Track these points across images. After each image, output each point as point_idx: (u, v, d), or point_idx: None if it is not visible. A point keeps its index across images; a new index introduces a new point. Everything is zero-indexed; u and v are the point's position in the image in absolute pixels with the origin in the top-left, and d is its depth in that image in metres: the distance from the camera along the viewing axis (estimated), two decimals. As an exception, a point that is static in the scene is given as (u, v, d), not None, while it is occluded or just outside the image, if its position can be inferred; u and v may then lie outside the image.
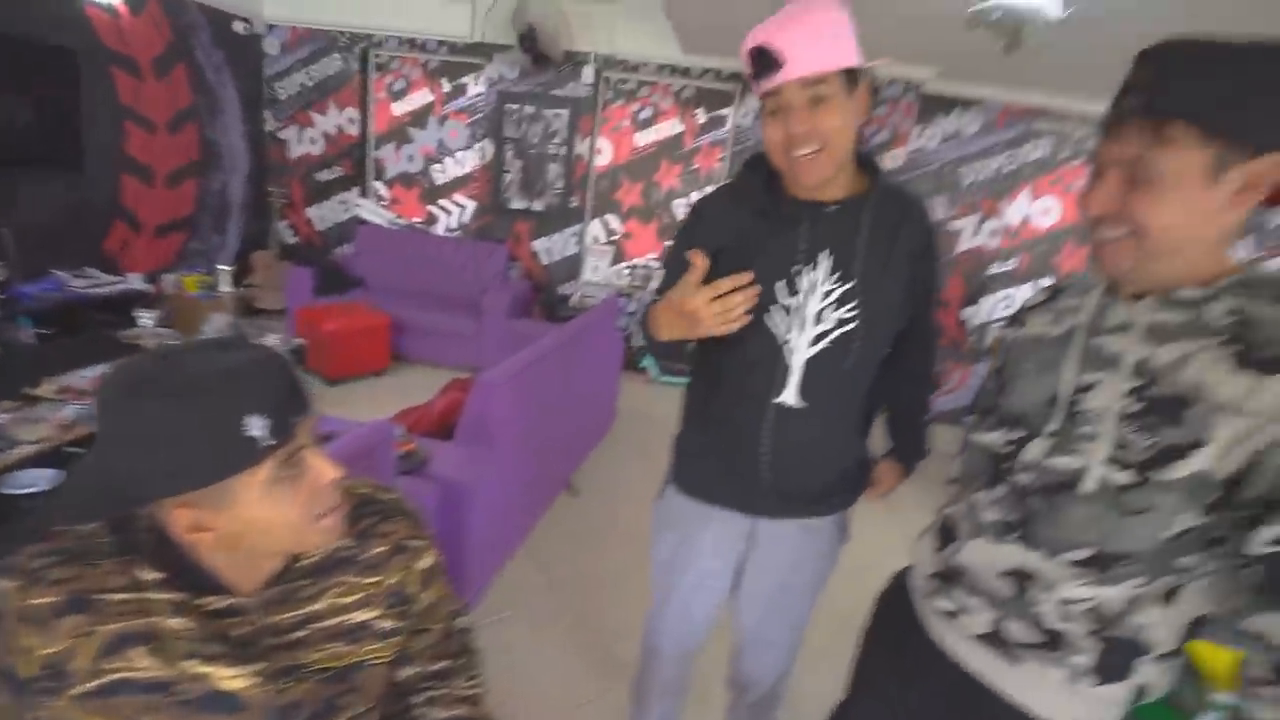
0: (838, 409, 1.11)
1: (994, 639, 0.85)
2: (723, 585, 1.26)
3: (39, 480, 1.82)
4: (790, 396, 1.07)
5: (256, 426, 0.62)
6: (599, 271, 4.84)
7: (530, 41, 4.12)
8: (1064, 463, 0.78)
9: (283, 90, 4.83)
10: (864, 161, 1.07)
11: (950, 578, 0.91)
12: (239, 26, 4.47)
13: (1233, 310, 0.70)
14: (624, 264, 4.87)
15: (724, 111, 4.45)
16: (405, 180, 4.97)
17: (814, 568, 1.23)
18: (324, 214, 5.06)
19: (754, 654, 1.33)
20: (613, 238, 4.85)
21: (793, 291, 1.04)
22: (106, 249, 3.88)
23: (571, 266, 4.85)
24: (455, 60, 4.64)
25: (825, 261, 1.03)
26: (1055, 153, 4.21)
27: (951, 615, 0.89)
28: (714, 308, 0.92)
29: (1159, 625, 0.76)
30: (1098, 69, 3.22)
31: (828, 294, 1.03)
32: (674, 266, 1.14)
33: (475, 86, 4.68)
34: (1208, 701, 0.88)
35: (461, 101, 4.74)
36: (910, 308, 1.09)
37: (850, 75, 0.94)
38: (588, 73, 4.32)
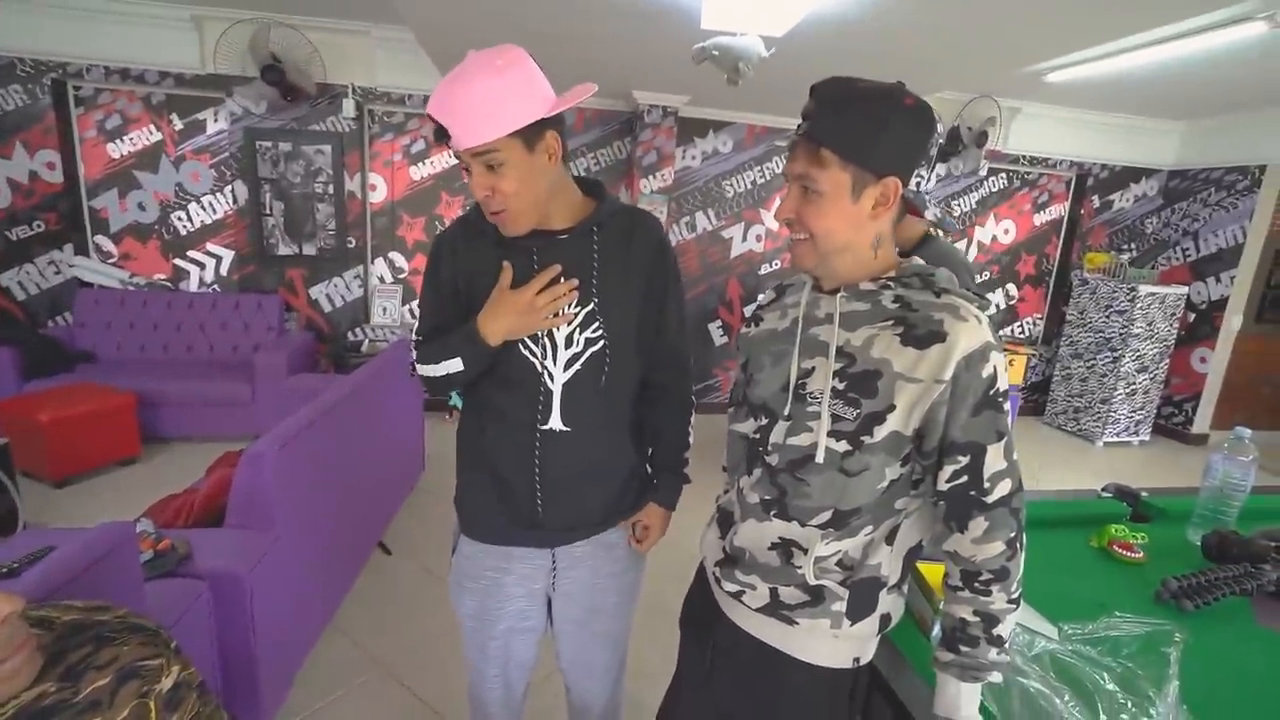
0: (600, 429, 1.14)
1: (773, 608, 0.94)
2: (538, 622, 1.25)
3: None
4: (555, 422, 1.09)
5: None
6: (389, 313, 4.56)
7: (275, 73, 3.78)
8: (799, 440, 0.90)
9: (-63, 131, 3.87)
10: (589, 186, 1.13)
11: (732, 561, 1.00)
12: None
13: (897, 298, 0.86)
14: (414, 302, 4.65)
15: (501, 141, 4.46)
16: (138, 232, 4.25)
17: (617, 585, 1.26)
18: (25, 279, 4.13)
19: (579, 680, 1.34)
20: (400, 276, 4.60)
21: None
22: None
23: (357, 310, 4.50)
24: (185, 94, 4.09)
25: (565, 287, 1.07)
26: (796, 166, 4.86)
27: (737, 595, 0.98)
28: (544, 298, 1.03)
29: (887, 561, 0.91)
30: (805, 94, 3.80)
31: (572, 318, 1.08)
32: (430, 308, 1.13)
33: (216, 123, 4.17)
34: (937, 610, 1.07)
35: (200, 140, 4.18)
36: (653, 319, 1.15)
37: (530, 130, 0.95)
38: (348, 106, 4.07)
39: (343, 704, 1.93)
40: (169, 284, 4.32)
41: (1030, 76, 3.73)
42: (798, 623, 0.93)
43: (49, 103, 3.93)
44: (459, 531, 1.23)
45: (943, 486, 0.85)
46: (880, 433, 0.84)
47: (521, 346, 1.07)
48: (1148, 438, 5.07)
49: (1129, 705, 0.93)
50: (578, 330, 1.08)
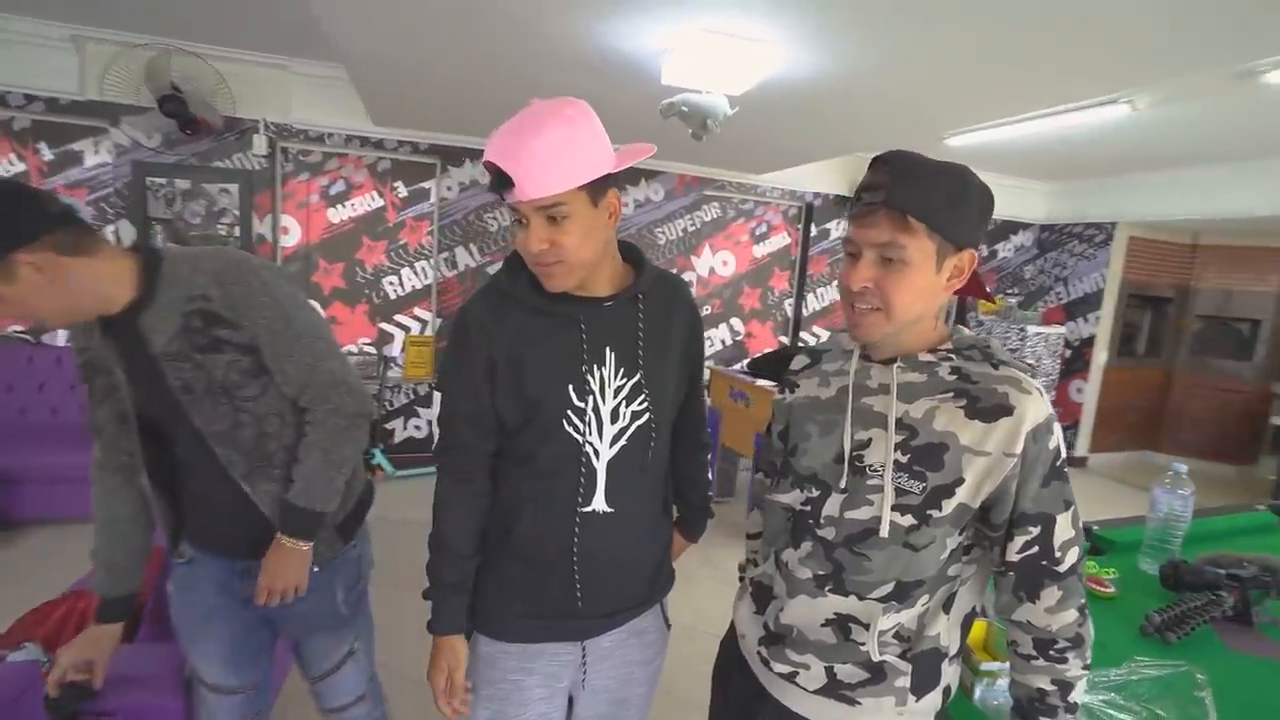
0: (643, 505, 1.08)
1: (831, 688, 0.90)
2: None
3: None
4: (598, 503, 1.01)
5: None
6: (305, 364, 4.19)
7: (175, 104, 3.46)
8: (858, 514, 0.87)
9: None
10: (628, 251, 1.09)
11: (778, 639, 0.95)
12: None
13: (955, 369, 0.87)
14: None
15: (426, 184, 4.31)
16: (-10, 276, 3.68)
17: (645, 675, 1.17)
18: None
19: None
20: (316, 324, 4.27)
21: (585, 393, 0.99)
22: None
23: (266, 361, 4.11)
24: (57, 120, 3.65)
25: (611, 357, 1.00)
26: (724, 214, 5.07)
27: (790, 677, 0.93)
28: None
29: (946, 631, 0.89)
30: (746, 150, 3.95)
31: (618, 390, 1.01)
32: (455, 386, 1.02)
33: (96, 155, 3.74)
34: (976, 670, 1.06)
35: (75, 173, 3.73)
36: (685, 385, 1.13)
37: (596, 185, 0.91)
38: (259, 142, 3.78)
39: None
40: (27, 336, 3.76)
41: (934, 140, 4.10)
42: (860, 702, 0.89)
43: (-119, 126, 3.38)
44: (474, 626, 1.09)
45: (1013, 557, 0.85)
46: (949, 506, 0.83)
47: (566, 423, 0.98)
48: (1039, 464, 5.56)
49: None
50: (623, 403, 1.00)
